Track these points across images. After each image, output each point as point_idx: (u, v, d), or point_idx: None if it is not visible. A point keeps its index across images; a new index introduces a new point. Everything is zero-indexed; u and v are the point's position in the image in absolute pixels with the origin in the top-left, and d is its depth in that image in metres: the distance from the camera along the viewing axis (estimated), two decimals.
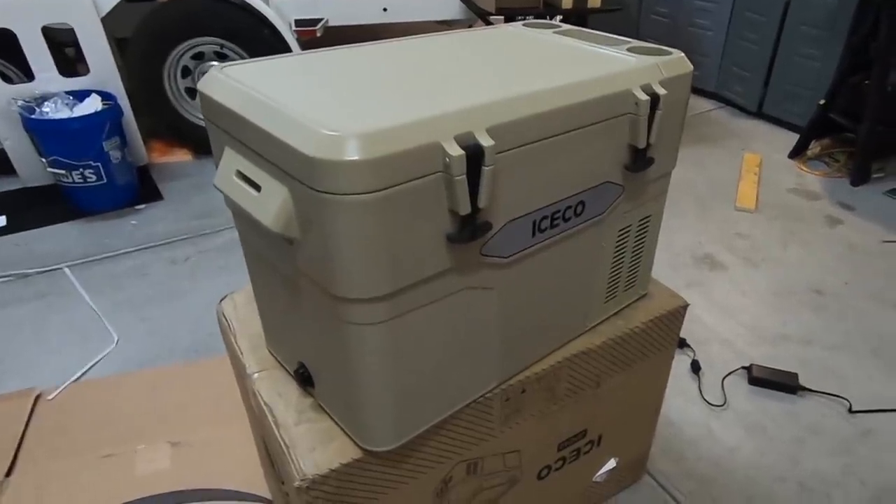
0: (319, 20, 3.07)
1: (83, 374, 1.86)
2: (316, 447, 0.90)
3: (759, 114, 3.81)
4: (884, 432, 1.70)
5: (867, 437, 1.69)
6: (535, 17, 3.44)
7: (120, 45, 2.98)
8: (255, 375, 1.03)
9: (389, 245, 0.71)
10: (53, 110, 2.57)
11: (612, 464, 1.36)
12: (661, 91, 0.91)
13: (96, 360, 1.91)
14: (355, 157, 0.64)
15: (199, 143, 3.20)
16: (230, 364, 1.19)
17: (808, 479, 1.57)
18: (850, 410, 1.75)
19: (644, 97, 0.89)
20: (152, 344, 1.99)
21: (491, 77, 0.89)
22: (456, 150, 0.70)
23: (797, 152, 3.33)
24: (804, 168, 3.23)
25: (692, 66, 0.98)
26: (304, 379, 0.95)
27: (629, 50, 0.99)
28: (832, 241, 2.61)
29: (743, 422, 1.73)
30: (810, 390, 1.83)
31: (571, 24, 1.21)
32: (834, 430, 1.71)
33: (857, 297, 2.26)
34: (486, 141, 0.72)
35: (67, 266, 2.37)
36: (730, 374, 1.89)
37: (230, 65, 0.88)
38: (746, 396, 1.82)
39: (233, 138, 0.81)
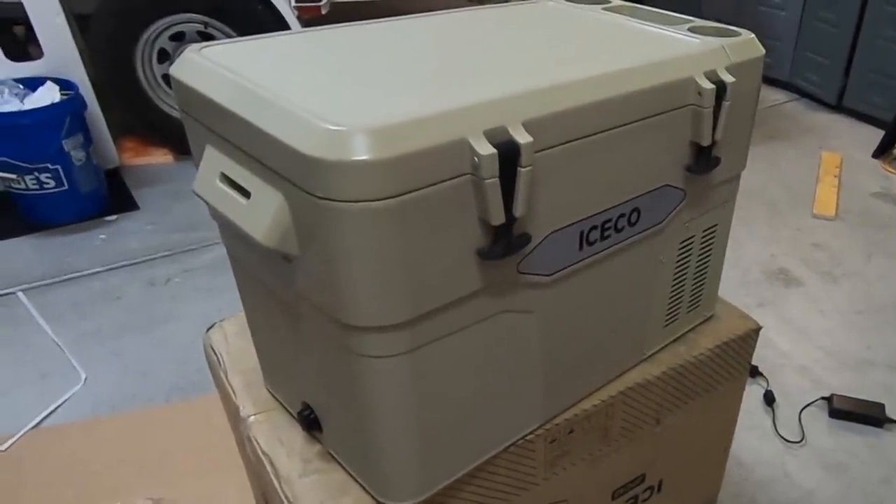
0: None
1: (43, 420, 1.85)
2: (325, 502, 0.89)
3: (838, 107, 3.80)
4: None
5: None
6: None
7: (81, 24, 2.90)
8: (252, 419, 1.02)
9: (408, 262, 0.70)
10: (0, 102, 2.52)
11: None
12: (729, 78, 0.90)
13: (60, 402, 1.91)
14: (365, 157, 0.63)
15: (182, 142, 3.15)
16: (221, 404, 1.19)
17: None
18: None
19: (709, 86, 0.88)
20: (127, 382, 1.99)
21: (528, 62, 0.88)
22: (486, 148, 0.69)
23: (882, 151, 3.32)
24: (890, 169, 3.23)
25: (764, 50, 0.97)
26: (310, 422, 0.94)
27: (691, 30, 0.98)
28: None
29: (823, 460, 1.75)
30: None
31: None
32: None
33: None
34: (522, 137, 0.71)
35: (22, 290, 2.37)
36: (808, 405, 1.91)
37: (210, 45, 0.87)
38: (827, 431, 1.83)
39: (215, 134, 0.80)
